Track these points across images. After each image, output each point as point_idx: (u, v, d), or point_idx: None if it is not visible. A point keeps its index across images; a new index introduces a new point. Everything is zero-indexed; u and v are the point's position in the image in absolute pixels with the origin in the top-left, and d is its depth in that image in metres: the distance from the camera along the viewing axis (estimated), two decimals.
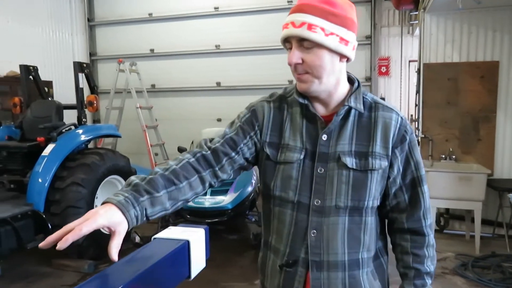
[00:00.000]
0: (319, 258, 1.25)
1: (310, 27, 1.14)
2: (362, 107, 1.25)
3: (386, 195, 1.31)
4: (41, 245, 0.95)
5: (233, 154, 1.27)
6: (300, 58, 1.18)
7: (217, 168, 1.25)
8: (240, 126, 1.30)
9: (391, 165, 1.26)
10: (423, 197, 1.31)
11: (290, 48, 1.20)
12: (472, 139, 5.07)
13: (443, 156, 5.11)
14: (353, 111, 1.24)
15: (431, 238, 1.33)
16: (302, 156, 1.25)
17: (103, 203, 1.05)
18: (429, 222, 1.33)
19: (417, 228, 1.32)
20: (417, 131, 5.45)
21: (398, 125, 1.25)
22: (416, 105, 5.53)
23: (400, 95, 6.89)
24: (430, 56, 5.19)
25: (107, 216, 1.01)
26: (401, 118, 1.27)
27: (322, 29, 1.14)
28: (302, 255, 1.27)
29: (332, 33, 1.15)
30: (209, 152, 1.25)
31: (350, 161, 1.22)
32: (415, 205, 1.31)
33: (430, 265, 1.33)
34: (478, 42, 5.03)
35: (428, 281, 1.33)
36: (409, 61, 6.83)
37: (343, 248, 1.25)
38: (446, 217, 5.09)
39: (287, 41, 1.20)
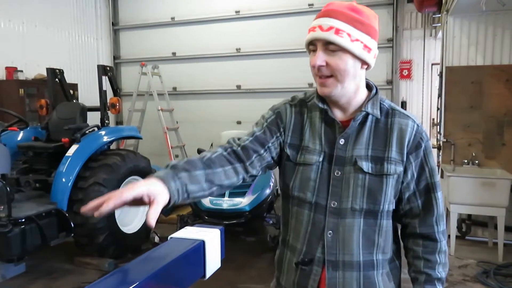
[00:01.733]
0: (335, 258, 1.30)
1: (337, 31, 1.19)
2: (378, 113, 1.29)
3: (399, 200, 1.34)
4: (83, 209, 1.00)
5: (262, 151, 1.32)
6: (324, 60, 1.21)
7: (247, 164, 1.29)
8: (267, 126, 1.36)
9: (405, 171, 1.30)
10: (436, 203, 1.33)
11: (313, 51, 1.24)
12: (496, 144, 4.94)
13: (466, 161, 5.00)
14: (370, 116, 1.29)
15: (443, 244, 1.35)
16: (321, 159, 1.31)
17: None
18: (442, 228, 1.35)
19: (429, 234, 1.34)
20: (438, 135, 5.36)
21: (414, 132, 1.29)
22: (438, 109, 5.44)
23: (422, 98, 6.79)
24: (453, 59, 5.09)
25: (147, 184, 1.03)
26: (417, 125, 1.31)
27: (349, 35, 1.19)
28: (318, 254, 1.32)
29: (357, 39, 1.20)
30: (239, 148, 1.30)
31: (366, 166, 1.26)
32: (428, 211, 1.33)
33: (441, 271, 1.34)
34: (504, 45, 4.92)
35: (439, 287, 1.34)
36: (432, 64, 6.72)
37: (358, 249, 1.29)
38: (468, 223, 4.98)
39: (312, 44, 1.24)
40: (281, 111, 1.38)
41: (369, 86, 1.34)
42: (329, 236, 1.30)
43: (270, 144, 1.33)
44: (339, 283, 1.30)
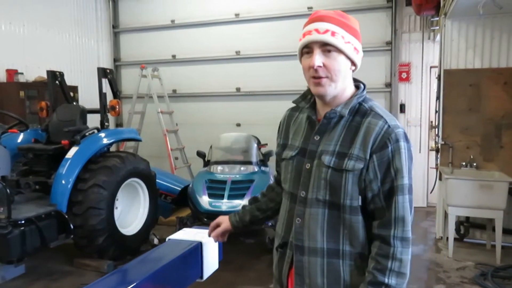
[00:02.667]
0: (301, 243, 1.40)
1: (333, 33, 1.30)
2: (346, 112, 1.35)
3: (365, 199, 1.34)
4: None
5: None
6: (321, 62, 1.31)
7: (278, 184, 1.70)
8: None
9: (367, 169, 1.31)
10: (395, 206, 1.30)
11: (307, 53, 1.34)
12: (494, 146, 4.96)
13: (464, 163, 5.02)
14: (346, 115, 1.36)
15: (398, 251, 1.30)
16: (294, 153, 1.45)
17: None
18: (400, 234, 1.30)
19: (384, 236, 1.31)
20: (437, 137, 5.38)
21: (381, 132, 1.31)
22: (436, 111, 5.46)
23: (421, 101, 6.81)
24: (451, 62, 5.12)
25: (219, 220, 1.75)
26: (388, 126, 1.32)
27: (342, 37, 1.31)
28: (291, 239, 1.44)
29: (348, 42, 1.32)
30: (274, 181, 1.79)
31: (328, 160, 1.35)
32: (388, 213, 1.31)
33: (392, 279, 1.29)
34: (501, 48, 4.94)
35: None
36: (430, 67, 6.75)
37: (323, 236, 1.36)
38: (466, 225, 4.99)
39: (307, 47, 1.34)
40: (281, 120, 1.62)
41: (358, 86, 1.43)
42: (298, 222, 1.41)
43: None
44: (305, 267, 1.39)
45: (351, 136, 1.34)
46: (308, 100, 1.47)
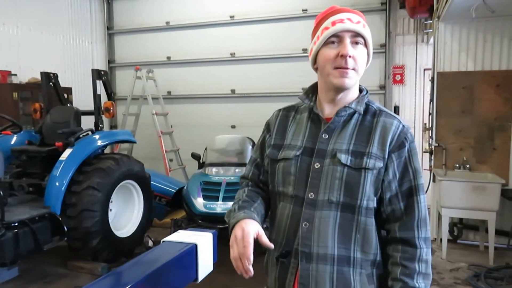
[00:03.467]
0: (309, 249, 1.28)
1: (364, 26, 1.29)
2: (362, 109, 1.33)
3: (381, 201, 1.30)
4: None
5: (262, 171, 1.51)
6: (352, 52, 1.26)
7: (261, 185, 1.51)
8: (260, 146, 1.53)
9: (386, 169, 1.28)
10: (418, 207, 1.29)
11: (332, 43, 1.28)
12: (487, 148, 5.01)
13: (457, 165, 5.06)
14: (356, 114, 1.33)
15: (424, 252, 1.27)
16: (299, 153, 1.35)
17: (233, 227, 1.35)
18: (424, 234, 1.28)
19: (409, 238, 1.28)
20: (430, 139, 5.41)
21: (398, 131, 1.30)
22: (430, 113, 5.50)
23: (415, 103, 6.85)
24: (444, 64, 5.16)
25: (248, 228, 1.30)
26: (403, 125, 1.32)
27: (368, 32, 1.30)
28: (295, 246, 1.31)
29: (370, 38, 1.32)
30: (250, 183, 1.53)
31: (345, 158, 1.28)
32: (409, 214, 1.29)
33: (420, 282, 1.25)
34: (494, 51, 4.99)
35: None
36: (424, 70, 6.79)
37: (333, 242, 1.27)
38: (459, 227, 5.02)
39: (335, 36, 1.27)
40: (270, 121, 1.52)
41: (360, 89, 1.41)
42: (305, 227, 1.30)
43: (263, 161, 1.49)
44: (312, 275, 1.28)
45: (365, 135, 1.30)
46: (310, 98, 1.42)
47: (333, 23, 1.27)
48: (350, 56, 1.25)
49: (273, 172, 1.41)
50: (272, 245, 1.30)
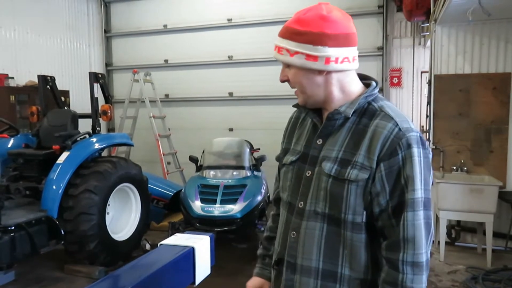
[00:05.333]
0: (294, 260, 1.25)
1: (279, 50, 1.23)
2: (350, 112, 1.21)
3: (372, 215, 1.18)
4: None
5: None
6: (285, 76, 1.27)
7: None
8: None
9: (373, 180, 1.15)
10: (404, 224, 1.13)
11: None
12: (484, 151, 5.02)
13: (455, 167, 5.07)
14: (353, 117, 1.22)
15: (408, 279, 1.12)
16: (295, 158, 1.31)
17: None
18: (410, 258, 1.12)
19: (392, 260, 1.14)
20: (428, 142, 5.43)
21: (390, 136, 1.14)
22: (427, 116, 5.51)
23: (412, 106, 6.87)
24: (441, 67, 5.18)
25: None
26: (399, 129, 1.14)
27: (287, 50, 1.20)
28: (285, 256, 1.30)
29: (296, 52, 1.18)
30: (275, 206, 1.55)
31: (329, 167, 1.19)
32: (396, 232, 1.14)
33: None
34: (490, 54, 5.01)
35: None
36: (421, 72, 6.82)
37: (318, 255, 1.20)
38: (457, 229, 5.03)
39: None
40: (287, 124, 1.48)
41: (369, 84, 1.27)
42: (292, 237, 1.26)
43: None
44: (296, 287, 1.25)
45: (356, 141, 1.18)
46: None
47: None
48: (284, 81, 1.28)
49: (279, 177, 1.43)
50: None
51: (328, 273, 1.20)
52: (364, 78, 1.29)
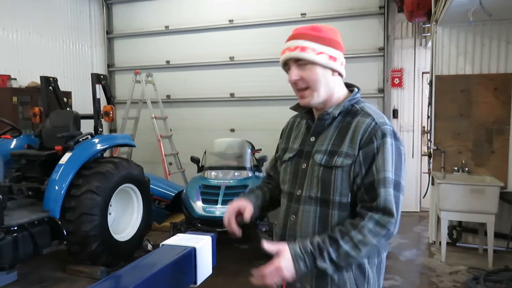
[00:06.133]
0: (294, 239, 1.44)
1: (302, 49, 1.41)
2: (337, 112, 1.44)
3: (354, 196, 1.39)
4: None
5: (275, 170, 1.75)
6: (298, 75, 1.43)
7: (271, 178, 1.79)
8: (276, 149, 1.73)
9: (354, 164, 1.37)
10: (378, 198, 1.31)
11: (289, 69, 1.46)
12: (486, 152, 5.02)
13: (456, 168, 5.07)
14: (338, 117, 1.45)
15: (367, 228, 1.29)
16: (292, 155, 1.55)
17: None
18: (377, 217, 1.30)
19: (362, 213, 1.33)
20: (429, 143, 5.43)
21: (368, 129, 1.38)
22: (428, 117, 5.52)
23: (413, 106, 6.87)
24: (442, 68, 5.18)
25: (236, 202, 1.67)
26: (375, 123, 1.38)
27: (313, 50, 1.40)
28: (285, 236, 1.51)
29: (321, 52, 1.40)
30: (265, 176, 1.84)
31: (320, 158, 1.43)
32: (371, 201, 1.33)
33: (347, 245, 1.29)
34: (491, 54, 5.02)
35: (330, 248, 1.29)
36: (422, 73, 6.83)
37: (314, 233, 1.42)
38: (459, 230, 5.03)
39: (286, 64, 1.47)
40: (284, 127, 1.71)
41: (353, 90, 1.52)
42: (292, 220, 1.50)
43: (277, 162, 1.71)
44: None
45: (341, 135, 1.42)
46: (299, 106, 1.57)
47: (282, 54, 1.47)
48: (297, 80, 1.42)
49: (280, 173, 1.63)
50: (247, 219, 1.59)
51: None
52: (349, 86, 1.53)
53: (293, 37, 1.44)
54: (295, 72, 1.42)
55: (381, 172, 1.33)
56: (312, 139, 1.49)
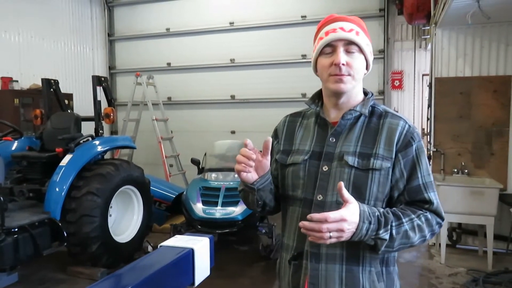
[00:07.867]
0: (318, 250, 1.31)
1: (357, 33, 1.31)
2: (367, 112, 1.36)
3: (391, 201, 1.34)
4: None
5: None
6: (345, 59, 1.30)
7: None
8: (271, 153, 1.51)
9: (394, 168, 1.30)
10: (432, 199, 1.31)
11: (327, 53, 1.33)
12: (485, 154, 5.03)
13: (455, 170, 5.08)
14: (362, 117, 1.36)
15: (425, 216, 1.29)
16: (307, 157, 1.38)
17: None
18: (434, 208, 1.31)
19: (422, 199, 1.31)
20: (429, 145, 5.43)
21: (404, 131, 1.32)
22: (428, 119, 5.53)
23: (413, 108, 6.88)
24: (442, 70, 5.20)
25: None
26: (409, 125, 1.33)
27: (364, 38, 1.33)
28: (306, 248, 1.34)
29: (367, 44, 1.34)
30: None
31: (352, 160, 1.30)
32: (424, 203, 1.32)
33: (406, 222, 1.25)
34: (491, 56, 5.03)
35: (386, 227, 1.21)
36: (422, 75, 6.84)
37: (342, 241, 1.23)
38: (458, 232, 5.03)
39: (329, 45, 1.32)
40: (277, 127, 1.54)
41: (365, 93, 1.44)
42: None
43: (272, 168, 1.49)
44: (322, 275, 1.31)
45: (372, 137, 1.33)
46: (316, 104, 1.44)
47: (327, 33, 1.32)
48: (343, 64, 1.28)
49: (283, 177, 1.45)
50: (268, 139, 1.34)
51: (352, 256, 1.30)
52: None
53: (342, 18, 1.34)
54: (344, 55, 1.29)
55: (426, 177, 1.32)
56: (332, 139, 1.36)
